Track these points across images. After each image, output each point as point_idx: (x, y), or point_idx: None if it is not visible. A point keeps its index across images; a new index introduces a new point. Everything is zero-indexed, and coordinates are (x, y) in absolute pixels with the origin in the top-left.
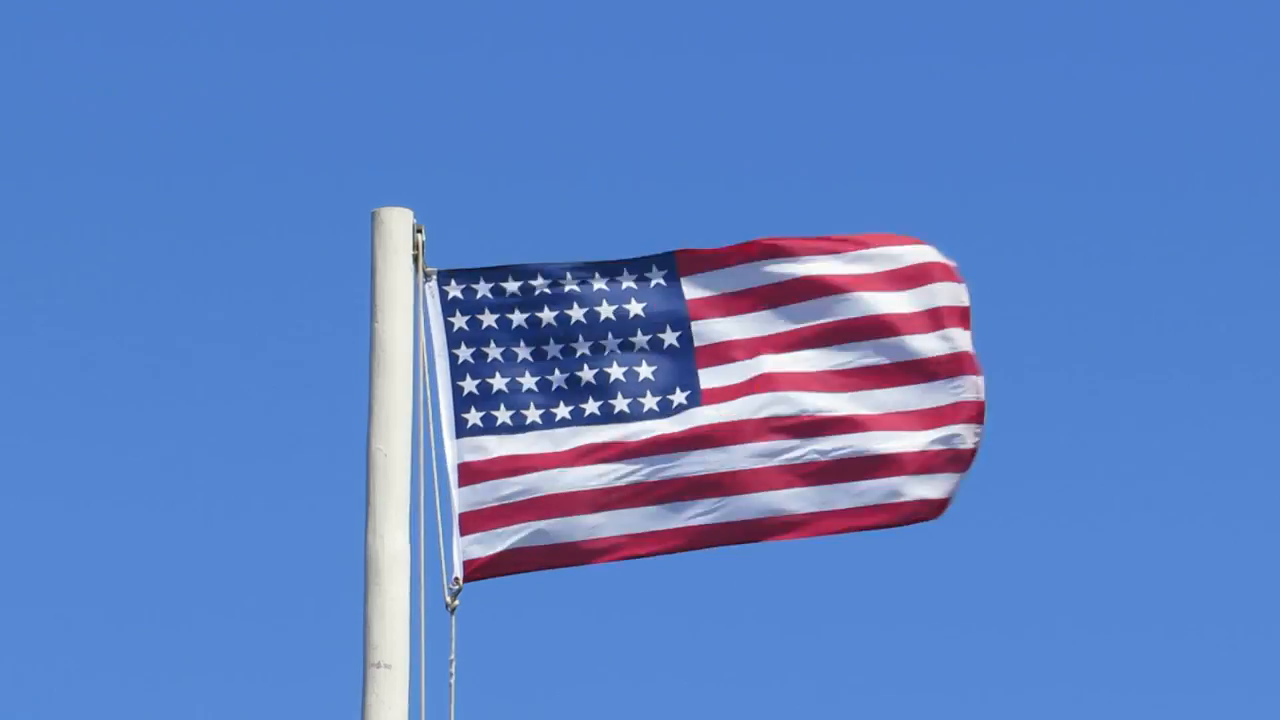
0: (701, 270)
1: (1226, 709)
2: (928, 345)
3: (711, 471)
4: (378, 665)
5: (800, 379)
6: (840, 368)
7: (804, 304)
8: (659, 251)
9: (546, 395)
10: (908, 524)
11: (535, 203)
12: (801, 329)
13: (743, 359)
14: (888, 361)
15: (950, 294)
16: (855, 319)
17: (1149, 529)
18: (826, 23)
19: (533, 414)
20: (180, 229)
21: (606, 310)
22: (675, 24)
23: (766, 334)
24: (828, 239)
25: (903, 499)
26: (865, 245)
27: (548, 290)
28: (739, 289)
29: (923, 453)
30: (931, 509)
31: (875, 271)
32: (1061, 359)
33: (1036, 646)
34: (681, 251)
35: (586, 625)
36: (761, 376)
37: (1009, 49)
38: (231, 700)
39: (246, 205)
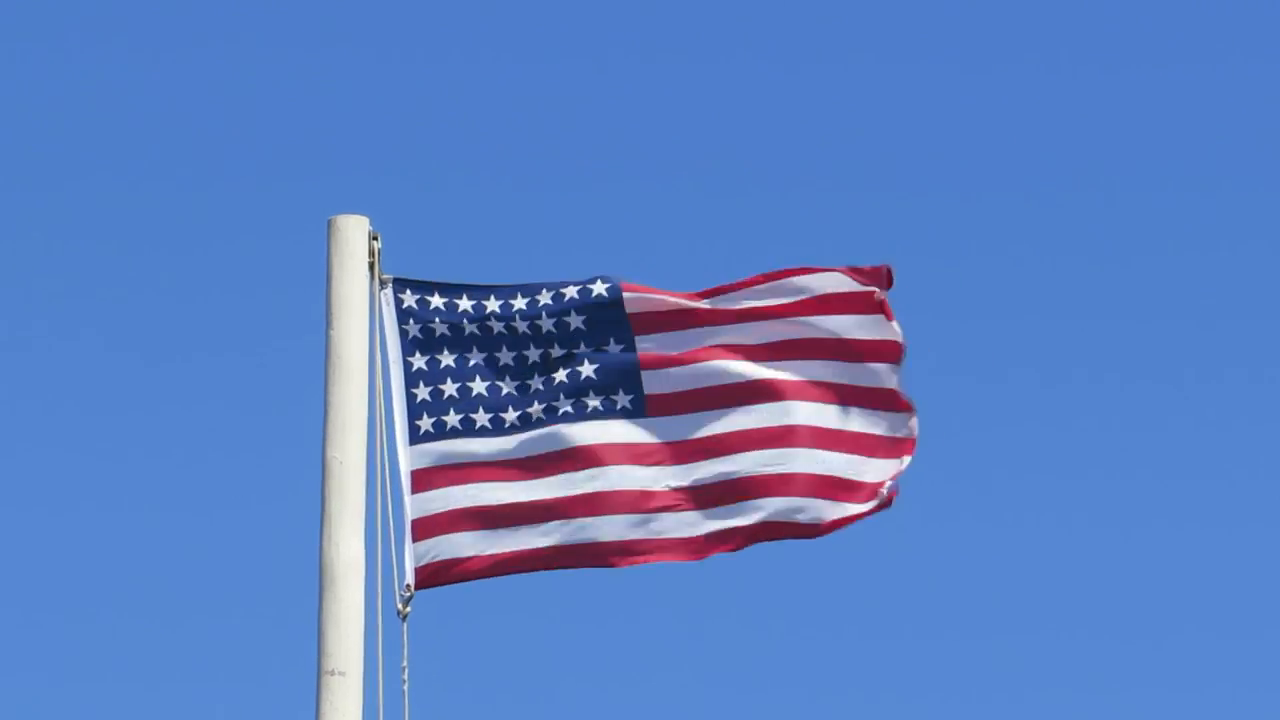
0: (642, 292)
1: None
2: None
3: (659, 488)
4: (332, 673)
5: (737, 390)
6: (779, 377)
7: (744, 324)
8: (604, 273)
9: (496, 400)
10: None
11: (490, 211)
12: (742, 342)
13: (686, 364)
14: (830, 380)
15: (884, 329)
16: (795, 339)
17: (1107, 529)
18: (797, 30)
19: (482, 418)
20: (136, 236)
21: (547, 323)
22: (636, 33)
23: (707, 344)
24: (764, 275)
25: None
26: (801, 274)
27: (498, 309)
28: (680, 309)
29: (835, 479)
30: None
31: (811, 298)
32: (1029, 362)
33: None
34: (626, 283)
35: (538, 630)
36: (703, 390)
37: (956, 60)
38: (185, 708)
39: (202, 212)
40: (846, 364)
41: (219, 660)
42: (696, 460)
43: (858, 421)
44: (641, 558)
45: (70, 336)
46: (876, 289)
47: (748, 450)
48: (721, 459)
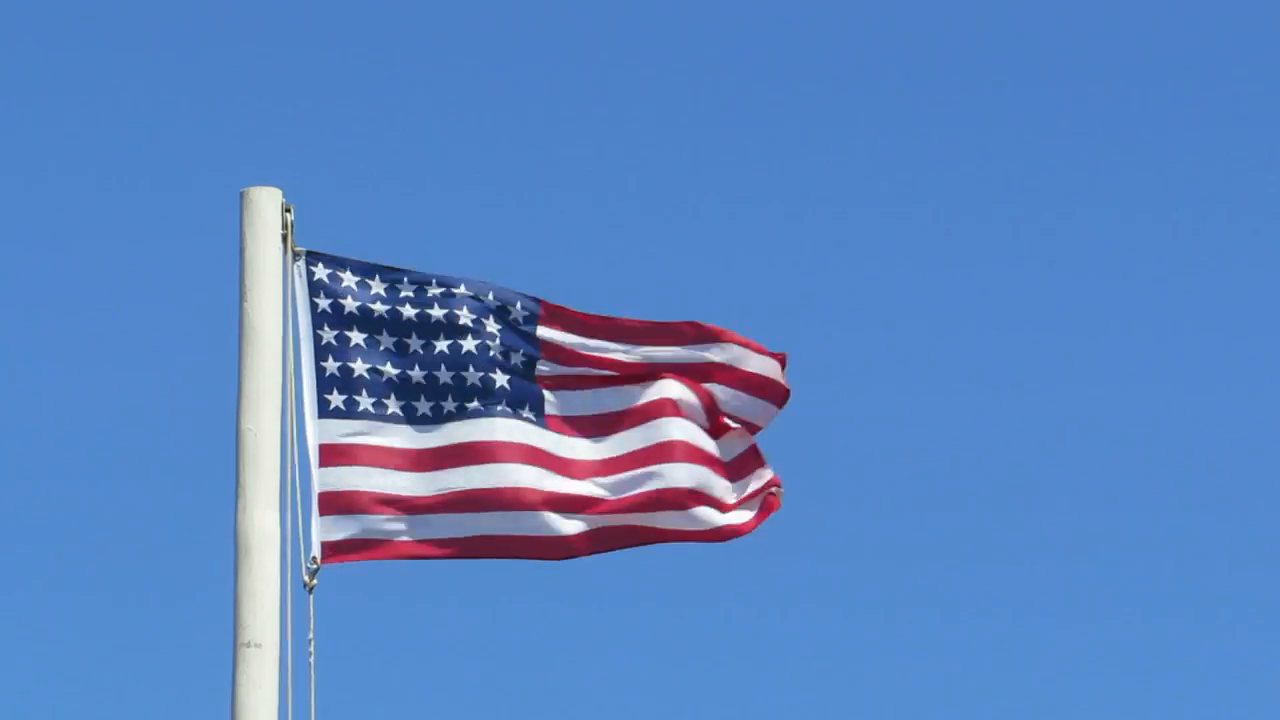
0: (559, 323)
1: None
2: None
3: (560, 492)
4: (248, 644)
5: (629, 414)
6: (660, 441)
7: (640, 380)
8: (524, 289)
9: (407, 388)
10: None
11: (405, 186)
12: (636, 389)
13: (582, 389)
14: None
15: (763, 410)
16: (680, 401)
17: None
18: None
19: (393, 405)
20: (51, 208)
21: (466, 317)
22: (556, 16)
23: (607, 376)
24: (686, 326)
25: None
26: (717, 339)
27: (410, 293)
28: (588, 351)
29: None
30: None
31: (712, 362)
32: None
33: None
34: (545, 303)
35: (454, 607)
36: (599, 416)
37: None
38: (101, 682)
39: (114, 185)
40: (736, 391)
41: (135, 633)
42: (586, 476)
43: (725, 449)
44: (543, 552)
45: None
46: (775, 363)
47: (633, 469)
48: (609, 478)
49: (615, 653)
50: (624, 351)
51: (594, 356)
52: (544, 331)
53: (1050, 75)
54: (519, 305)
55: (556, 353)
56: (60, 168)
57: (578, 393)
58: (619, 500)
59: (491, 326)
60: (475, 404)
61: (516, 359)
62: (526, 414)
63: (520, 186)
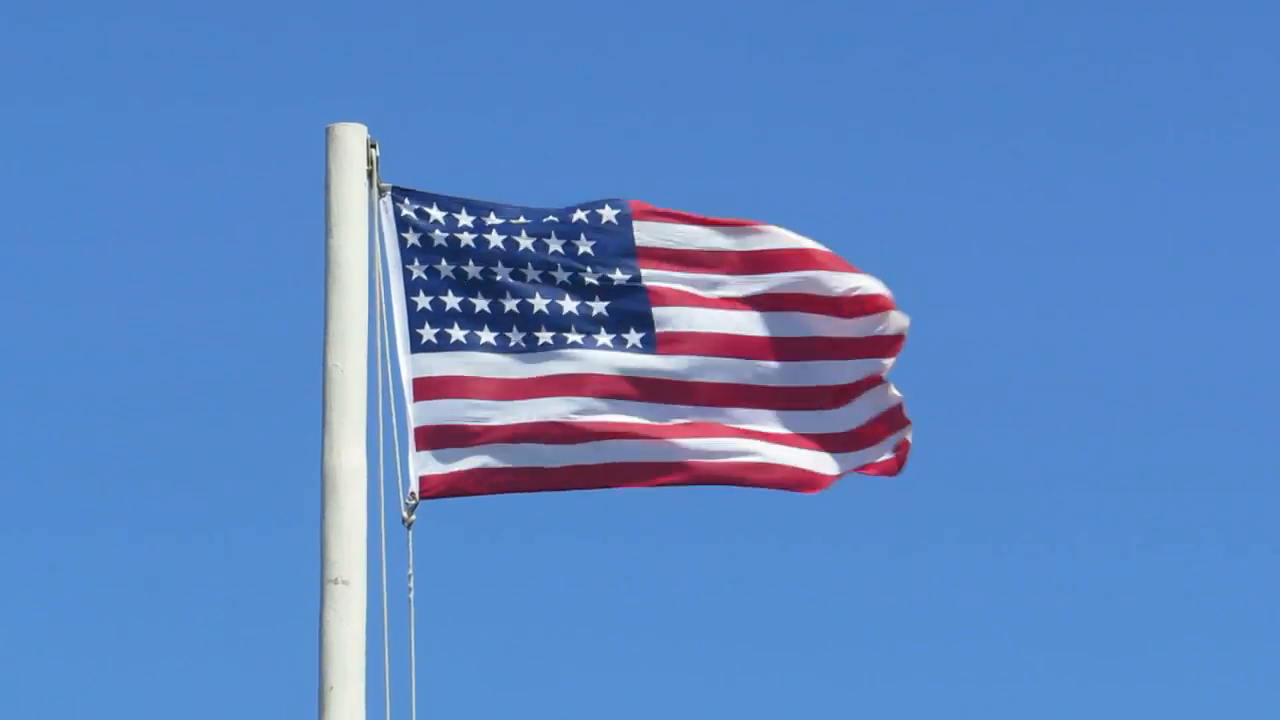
0: (653, 220)
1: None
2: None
3: (662, 422)
4: (335, 581)
5: (744, 343)
6: (778, 336)
7: (747, 275)
8: (611, 195)
9: (500, 318)
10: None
11: (491, 122)
12: (742, 295)
13: (692, 306)
14: (815, 335)
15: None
16: (792, 294)
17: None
18: None
19: (486, 335)
20: (136, 147)
21: (555, 244)
22: None
23: (713, 294)
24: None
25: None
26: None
27: (498, 221)
28: (687, 247)
29: (836, 435)
30: (817, 483)
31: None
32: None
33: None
34: (635, 202)
35: (543, 541)
36: (711, 335)
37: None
38: (190, 617)
39: (200, 122)
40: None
41: (223, 570)
42: (701, 403)
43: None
44: (646, 481)
45: (68, 250)
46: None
47: (747, 406)
48: (724, 409)
49: (718, 584)
50: (725, 242)
51: (700, 253)
52: (641, 235)
53: None
54: (607, 208)
55: (656, 256)
56: (146, 104)
57: (692, 309)
58: (732, 429)
59: (585, 247)
60: (573, 335)
61: (618, 278)
62: (634, 340)
63: (609, 120)
